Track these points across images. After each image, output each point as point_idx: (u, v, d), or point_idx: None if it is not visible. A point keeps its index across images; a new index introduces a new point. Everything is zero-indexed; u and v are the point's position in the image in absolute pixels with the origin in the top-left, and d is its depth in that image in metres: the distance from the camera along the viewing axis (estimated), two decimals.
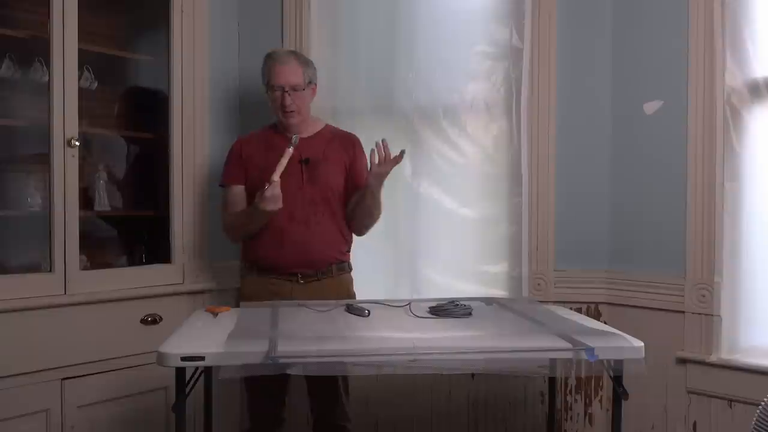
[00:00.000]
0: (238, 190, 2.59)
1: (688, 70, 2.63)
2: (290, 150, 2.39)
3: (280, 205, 2.38)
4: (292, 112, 2.54)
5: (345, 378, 2.54)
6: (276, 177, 2.35)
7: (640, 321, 2.70)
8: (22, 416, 2.33)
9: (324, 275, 2.53)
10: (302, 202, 2.51)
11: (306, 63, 2.61)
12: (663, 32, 2.72)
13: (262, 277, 2.55)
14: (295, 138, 2.42)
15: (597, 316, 2.82)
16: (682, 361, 2.65)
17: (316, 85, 2.64)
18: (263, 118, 2.71)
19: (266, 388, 2.44)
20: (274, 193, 2.35)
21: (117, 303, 2.59)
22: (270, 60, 2.58)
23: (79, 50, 2.49)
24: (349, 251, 2.64)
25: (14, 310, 2.32)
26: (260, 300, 2.46)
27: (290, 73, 2.53)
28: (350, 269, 2.64)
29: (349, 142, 2.64)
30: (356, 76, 3.00)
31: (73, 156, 2.47)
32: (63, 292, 2.46)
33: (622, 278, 2.83)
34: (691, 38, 2.62)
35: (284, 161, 2.37)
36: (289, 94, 2.52)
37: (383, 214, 2.72)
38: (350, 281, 2.64)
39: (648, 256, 2.77)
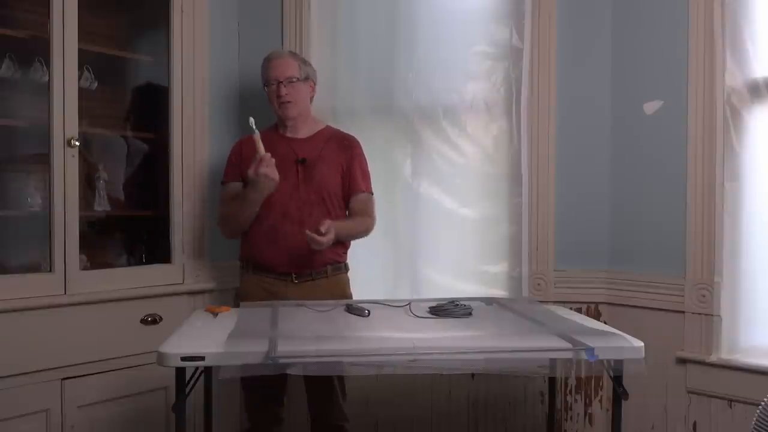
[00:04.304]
0: (237, 186, 2.59)
1: (688, 70, 2.63)
2: (255, 131, 2.39)
3: (278, 176, 2.39)
4: (288, 102, 2.56)
5: (341, 378, 2.54)
6: (262, 151, 2.37)
7: (640, 321, 2.70)
8: (22, 416, 2.33)
9: (319, 275, 2.53)
10: (297, 202, 2.52)
11: (303, 60, 2.66)
12: (663, 32, 2.72)
13: (257, 276, 2.55)
14: (252, 121, 2.39)
15: (597, 316, 2.82)
16: (682, 361, 2.65)
17: (315, 83, 2.66)
18: (263, 118, 2.70)
19: (264, 388, 2.45)
20: (270, 160, 2.37)
21: (117, 303, 2.59)
22: (266, 60, 2.63)
23: (79, 50, 2.49)
24: (345, 252, 2.63)
25: (14, 310, 2.32)
26: (255, 298, 2.47)
27: (285, 66, 2.58)
28: (347, 270, 2.64)
29: (346, 144, 2.64)
30: (356, 76, 3.00)
31: (73, 156, 2.47)
32: (63, 292, 2.46)
33: (622, 278, 2.83)
34: (691, 38, 2.62)
35: (258, 142, 2.39)
36: (285, 85, 2.55)
37: (383, 214, 2.73)
38: (346, 282, 2.63)
39: (648, 256, 2.77)
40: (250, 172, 2.40)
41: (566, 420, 2.92)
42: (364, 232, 2.63)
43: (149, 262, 2.85)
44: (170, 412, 2.02)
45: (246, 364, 1.75)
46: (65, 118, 2.45)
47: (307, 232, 2.35)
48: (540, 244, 2.90)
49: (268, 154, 2.39)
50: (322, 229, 2.35)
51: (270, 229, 2.50)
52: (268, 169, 2.38)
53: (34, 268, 2.50)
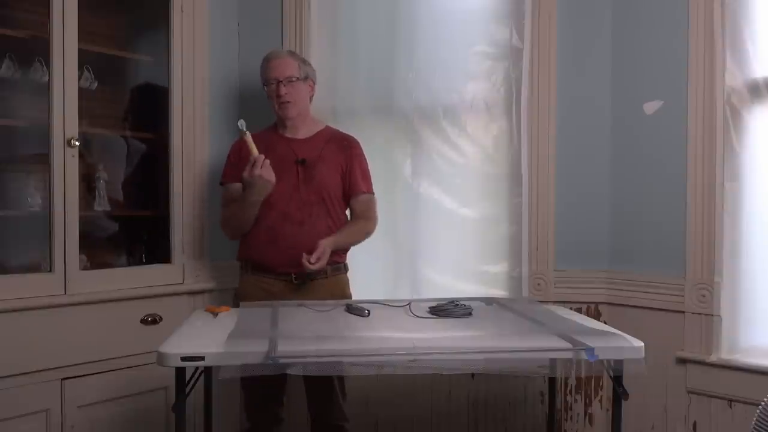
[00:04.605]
0: (237, 187, 2.58)
1: (688, 70, 2.63)
2: (246, 133, 2.38)
3: (273, 177, 2.39)
4: (287, 102, 2.55)
5: (341, 378, 2.54)
6: (255, 152, 2.37)
7: (640, 321, 2.70)
8: (22, 416, 2.33)
9: (318, 276, 2.52)
10: (298, 203, 2.51)
11: (302, 60, 2.65)
12: (663, 32, 2.72)
13: (256, 276, 2.55)
14: (241, 123, 2.39)
15: (597, 316, 2.82)
16: (682, 361, 2.65)
17: (314, 83, 2.66)
18: (263, 118, 2.71)
19: (264, 388, 2.44)
20: (265, 162, 2.37)
21: (117, 303, 2.59)
22: (265, 60, 2.62)
23: (79, 50, 2.49)
24: (345, 252, 2.63)
25: (14, 310, 2.32)
26: (254, 299, 2.46)
27: (285, 66, 2.57)
28: (346, 270, 2.64)
29: (346, 144, 2.64)
30: (356, 76, 3.00)
31: (73, 156, 2.47)
32: (63, 292, 2.46)
33: (622, 278, 2.83)
34: (691, 38, 2.62)
35: (250, 143, 2.38)
36: (284, 85, 2.54)
37: (383, 214, 2.73)
38: (346, 282, 2.63)
39: (648, 256, 2.77)
40: (245, 174, 2.39)
41: (566, 420, 2.92)
42: (365, 237, 2.64)
43: (149, 262, 2.85)
44: (170, 412, 2.02)
45: (246, 364, 1.74)
46: (65, 118, 2.45)
47: (304, 256, 2.38)
48: (540, 244, 2.90)
49: (262, 156, 2.38)
50: (312, 258, 2.38)
51: (270, 230, 2.50)
52: (262, 170, 2.37)
53: (34, 268, 2.50)
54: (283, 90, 2.55)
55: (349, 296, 2.60)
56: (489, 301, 2.57)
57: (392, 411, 2.97)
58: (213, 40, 2.93)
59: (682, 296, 2.65)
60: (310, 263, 2.39)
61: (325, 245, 2.43)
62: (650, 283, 2.74)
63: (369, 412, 2.95)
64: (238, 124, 2.39)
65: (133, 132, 2.94)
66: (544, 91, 2.87)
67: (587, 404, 2.91)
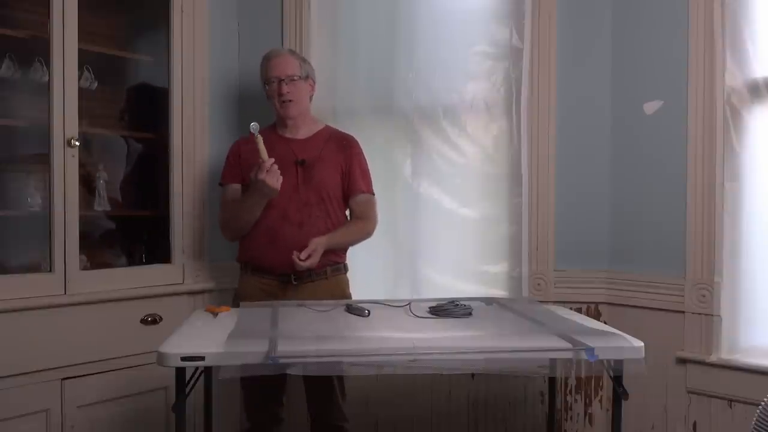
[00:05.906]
0: (236, 188, 2.59)
1: (688, 70, 2.63)
2: (257, 137, 2.35)
3: (278, 184, 2.38)
4: (289, 101, 2.55)
5: (341, 378, 2.54)
6: (265, 156, 2.35)
7: (640, 321, 2.70)
8: (22, 416, 2.34)
9: (318, 276, 2.52)
10: (297, 204, 2.51)
11: (302, 59, 2.65)
12: (663, 32, 2.72)
13: (255, 277, 2.55)
14: (253, 126, 2.36)
15: (597, 316, 2.82)
16: (682, 361, 2.65)
17: (314, 82, 2.66)
18: (263, 118, 2.70)
19: (264, 388, 2.44)
20: (272, 167, 2.36)
21: (117, 303, 2.60)
22: (265, 59, 2.61)
23: (79, 50, 2.49)
24: (345, 252, 2.63)
25: (14, 310, 2.32)
26: (254, 299, 2.46)
27: (286, 65, 2.57)
28: (346, 270, 2.64)
29: (345, 143, 2.63)
30: (356, 76, 3.00)
31: (73, 156, 2.47)
32: (63, 292, 2.46)
33: (622, 278, 2.83)
34: (691, 38, 2.62)
35: (261, 146, 2.36)
36: (286, 83, 2.54)
37: (383, 214, 2.73)
38: (346, 283, 2.63)
39: (648, 256, 2.77)
40: (252, 174, 2.39)
41: (566, 420, 2.92)
42: (364, 237, 2.63)
43: (149, 262, 2.85)
44: (170, 412, 2.02)
45: (246, 364, 1.74)
46: (65, 118, 2.45)
47: (294, 253, 2.38)
48: (540, 244, 2.90)
49: (271, 160, 2.37)
50: (302, 255, 2.38)
51: (269, 231, 2.50)
52: (267, 175, 2.36)
53: (34, 268, 2.50)
54: (285, 88, 2.54)
55: (349, 296, 2.60)
56: (489, 301, 2.57)
57: (392, 411, 2.97)
58: (213, 40, 2.93)
59: (682, 296, 2.65)
60: (300, 260, 2.39)
61: (317, 243, 2.42)
62: (650, 283, 2.74)
63: (369, 412, 2.95)
64: (251, 127, 2.35)
65: (132, 132, 2.94)
66: (544, 91, 2.87)
67: (587, 404, 2.91)
